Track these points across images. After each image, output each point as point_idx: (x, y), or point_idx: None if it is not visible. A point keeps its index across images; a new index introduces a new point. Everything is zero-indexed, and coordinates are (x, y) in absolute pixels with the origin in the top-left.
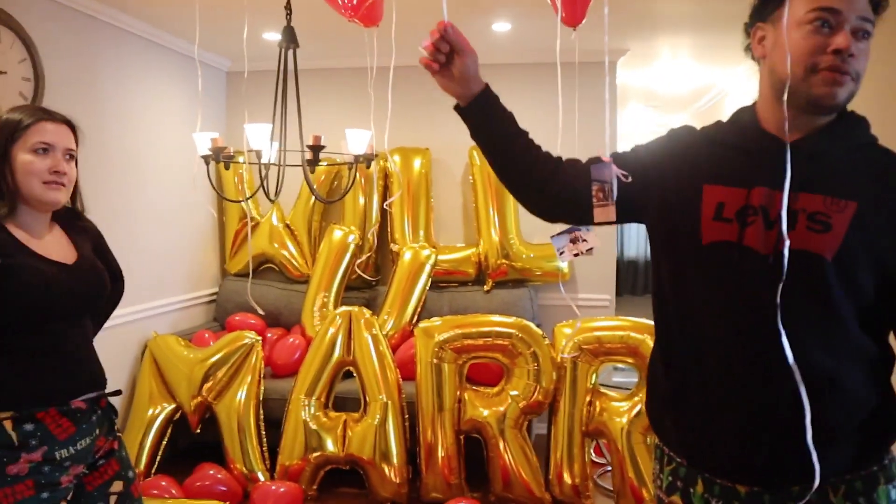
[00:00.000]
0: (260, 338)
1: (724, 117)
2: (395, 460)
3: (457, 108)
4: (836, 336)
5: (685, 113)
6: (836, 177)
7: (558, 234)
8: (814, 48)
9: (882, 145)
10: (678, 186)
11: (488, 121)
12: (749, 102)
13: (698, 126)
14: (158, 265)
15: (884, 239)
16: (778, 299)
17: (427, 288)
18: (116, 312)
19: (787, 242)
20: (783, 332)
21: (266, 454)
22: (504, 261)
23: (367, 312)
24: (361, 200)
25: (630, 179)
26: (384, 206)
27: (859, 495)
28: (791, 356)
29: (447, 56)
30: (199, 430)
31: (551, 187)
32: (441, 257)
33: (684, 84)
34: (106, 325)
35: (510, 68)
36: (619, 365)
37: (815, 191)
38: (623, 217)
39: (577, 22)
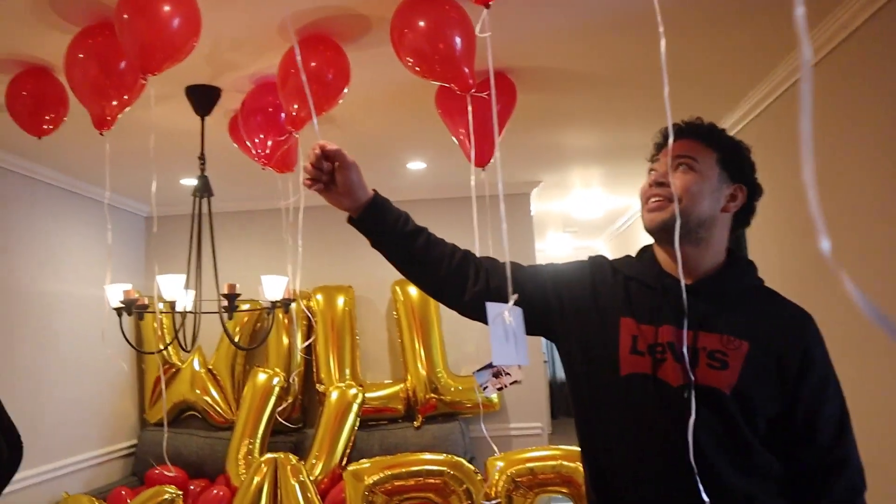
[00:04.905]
0: (181, 492)
1: (639, 239)
2: None
3: (349, 220)
4: (746, 458)
5: (602, 236)
6: (731, 317)
7: (480, 369)
8: (642, 190)
9: (766, 287)
10: (599, 319)
11: (382, 226)
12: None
13: (611, 254)
14: (71, 420)
15: (770, 377)
16: (690, 433)
17: (356, 427)
18: (23, 475)
19: (693, 379)
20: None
21: None
22: (433, 395)
23: (293, 458)
24: (286, 341)
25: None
26: (300, 351)
27: None
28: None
29: (330, 175)
30: None
31: (464, 283)
32: (369, 395)
33: (598, 209)
34: (8, 489)
35: (427, 203)
36: (556, 496)
37: (713, 330)
38: (528, 330)
39: (485, 163)
